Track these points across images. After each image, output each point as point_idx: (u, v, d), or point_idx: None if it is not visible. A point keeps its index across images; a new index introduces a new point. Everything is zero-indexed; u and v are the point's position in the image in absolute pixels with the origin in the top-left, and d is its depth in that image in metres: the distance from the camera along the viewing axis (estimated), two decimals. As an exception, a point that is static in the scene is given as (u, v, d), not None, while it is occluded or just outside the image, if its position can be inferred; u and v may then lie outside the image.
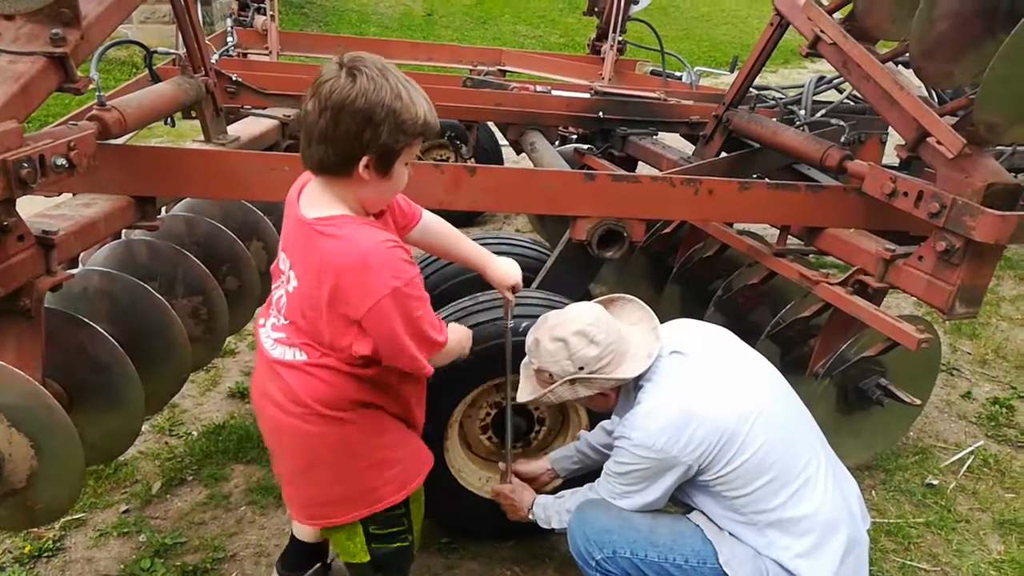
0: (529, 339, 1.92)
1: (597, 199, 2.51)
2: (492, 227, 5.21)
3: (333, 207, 1.54)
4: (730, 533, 1.86)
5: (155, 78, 2.72)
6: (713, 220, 2.88)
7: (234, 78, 3.37)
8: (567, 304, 2.21)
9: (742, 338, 2.82)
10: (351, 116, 1.40)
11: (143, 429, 3.07)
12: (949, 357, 3.95)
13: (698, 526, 1.88)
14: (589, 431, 2.35)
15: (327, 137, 1.43)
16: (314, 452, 1.70)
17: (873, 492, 2.95)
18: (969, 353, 4.04)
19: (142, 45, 2.77)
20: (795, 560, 1.79)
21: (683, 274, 3.36)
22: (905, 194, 2.40)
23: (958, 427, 3.41)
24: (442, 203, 2.46)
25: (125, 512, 2.66)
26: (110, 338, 2.06)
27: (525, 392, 1.95)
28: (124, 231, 2.47)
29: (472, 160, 5.44)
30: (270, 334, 1.70)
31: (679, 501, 1.95)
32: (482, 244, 2.93)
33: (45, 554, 2.45)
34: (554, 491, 2.42)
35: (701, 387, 1.82)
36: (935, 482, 3.01)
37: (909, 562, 2.62)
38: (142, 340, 2.28)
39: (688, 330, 2.00)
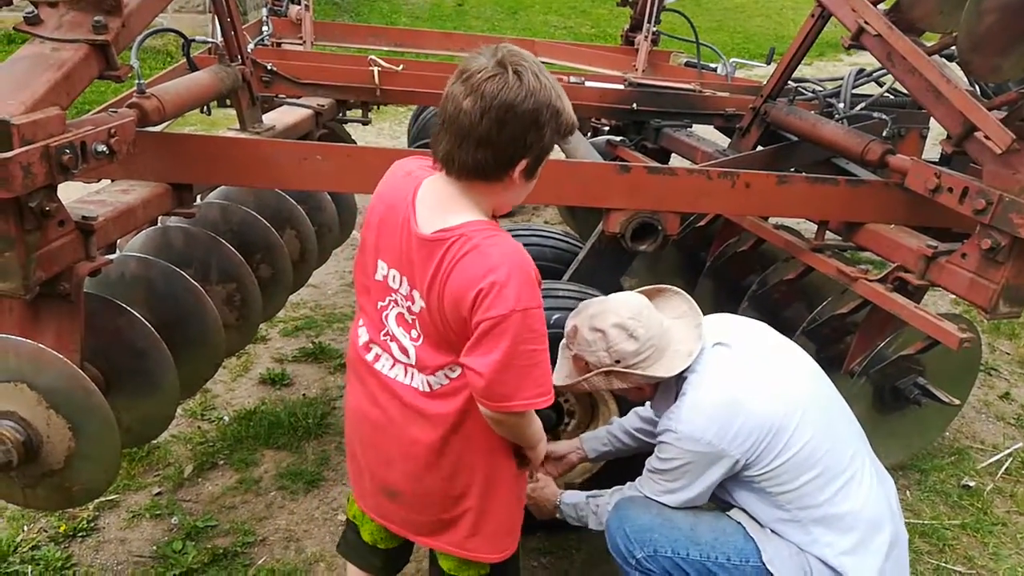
0: (568, 325, 1.89)
1: (631, 191, 2.48)
2: (522, 219, 5.19)
3: (465, 213, 1.40)
4: (772, 530, 1.83)
5: (192, 67, 2.73)
6: (750, 214, 2.83)
7: (269, 67, 3.38)
8: (599, 296, 2.20)
9: (781, 334, 2.79)
10: (518, 118, 1.30)
11: (176, 413, 3.11)
12: (988, 357, 3.86)
13: (740, 524, 1.85)
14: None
15: (489, 140, 1.31)
16: (487, 470, 1.58)
17: (908, 492, 2.90)
18: (1008, 353, 3.95)
19: (180, 34, 2.79)
20: (840, 557, 1.77)
21: (717, 269, 3.32)
22: (950, 190, 2.34)
23: (996, 428, 3.34)
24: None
25: (158, 494, 2.70)
26: (147, 324, 2.09)
27: (560, 376, 1.92)
28: (160, 218, 2.50)
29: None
30: (396, 359, 1.53)
31: (718, 498, 1.93)
32: (513, 235, 2.97)
33: (80, 534, 2.50)
34: (584, 480, 2.43)
35: (748, 379, 1.79)
36: (971, 484, 2.95)
37: (944, 564, 2.57)
38: (177, 325, 2.30)
39: (730, 322, 1.97)
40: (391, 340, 1.53)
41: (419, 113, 5.35)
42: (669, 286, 2.00)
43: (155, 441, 2.94)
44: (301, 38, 4.39)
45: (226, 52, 2.70)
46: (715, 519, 1.88)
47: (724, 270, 3.30)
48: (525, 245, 3.02)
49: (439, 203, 1.42)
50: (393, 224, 1.46)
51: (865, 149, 2.76)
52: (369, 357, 1.57)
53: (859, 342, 2.72)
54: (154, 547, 2.46)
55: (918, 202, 2.50)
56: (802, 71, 9.70)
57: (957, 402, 2.68)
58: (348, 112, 3.82)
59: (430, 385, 1.50)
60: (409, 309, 1.47)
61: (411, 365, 1.52)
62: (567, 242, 2.93)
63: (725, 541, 1.82)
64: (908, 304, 2.44)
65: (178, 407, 3.03)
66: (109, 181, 2.33)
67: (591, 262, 2.66)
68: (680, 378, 1.82)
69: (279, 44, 4.62)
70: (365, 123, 3.82)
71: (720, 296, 3.31)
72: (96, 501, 2.59)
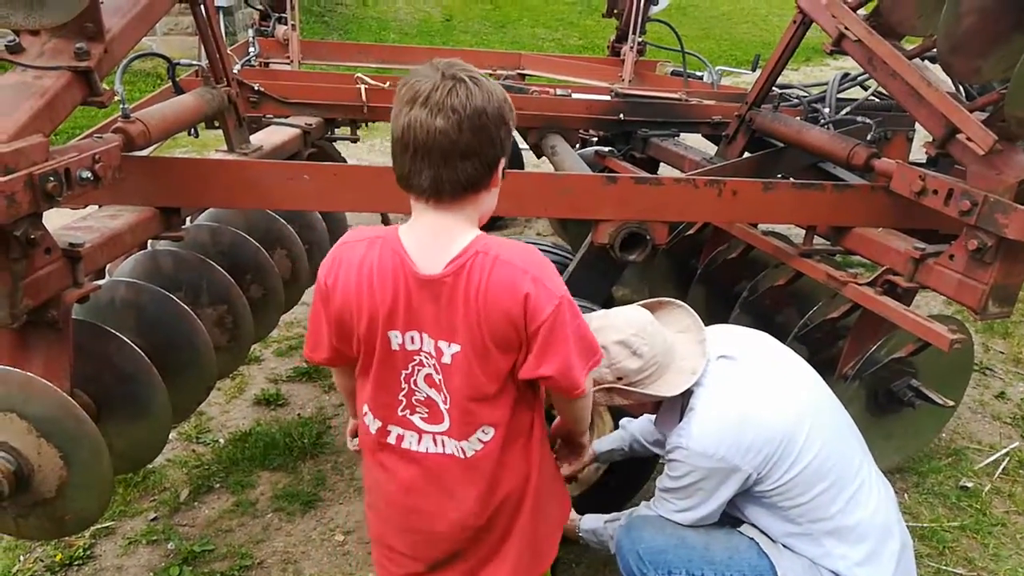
0: None
1: (619, 202, 2.49)
2: (514, 231, 5.20)
3: (465, 234, 1.35)
4: (784, 545, 1.82)
5: (178, 90, 2.74)
6: (737, 221, 2.84)
7: (256, 87, 3.39)
8: (590, 308, 2.20)
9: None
10: (491, 120, 1.29)
11: (170, 437, 3.10)
12: (982, 356, 3.87)
13: (753, 540, 1.84)
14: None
15: (473, 150, 1.28)
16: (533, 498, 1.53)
17: (906, 495, 2.90)
18: (1002, 352, 3.96)
19: (165, 57, 2.80)
20: (854, 569, 1.76)
21: (707, 276, 3.33)
22: (935, 192, 2.35)
23: (992, 428, 3.34)
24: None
25: (154, 520, 2.68)
26: (137, 349, 2.08)
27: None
28: (150, 241, 2.50)
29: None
30: (423, 430, 1.44)
31: (728, 515, 1.91)
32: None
33: (76, 562, 2.47)
34: (597, 481, 2.42)
35: (756, 391, 1.78)
36: (969, 484, 2.95)
37: (944, 567, 2.56)
38: (168, 350, 2.30)
39: (733, 333, 1.97)
40: (421, 405, 1.43)
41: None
42: (672, 299, 1.99)
43: (150, 466, 2.92)
44: (288, 58, 4.41)
45: (211, 74, 2.71)
46: (727, 537, 1.86)
47: (715, 277, 3.30)
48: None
49: (436, 235, 1.35)
50: (385, 293, 1.35)
51: (850, 153, 2.77)
52: (391, 440, 1.47)
53: (851, 346, 2.72)
54: (151, 574, 2.44)
55: (904, 205, 2.51)
56: (789, 77, 9.78)
57: (951, 403, 2.69)
58: (337, 130, 3.82)
59: (464, 451, 1.44)
60: (436, 366, 1.39)
61: (441, 433, 1.43)
62: (557, 254, 2.94)
63: (739, 559, 1.80)
64: (898, 307, 2.44)
65: (171, 431, 3.04)
66: (97, 207, 2.33)
67: (581, 273, 2.66)
68: (686, 393, 1.80)
69: (267, 64, 4.65)
70: (354, 140, 3.83)
71: (712, 303, 3.31)
72: (92, 528, 2.57)
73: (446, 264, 1.33)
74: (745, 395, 1.77)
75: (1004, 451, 3.15)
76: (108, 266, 2.65)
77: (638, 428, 2.23)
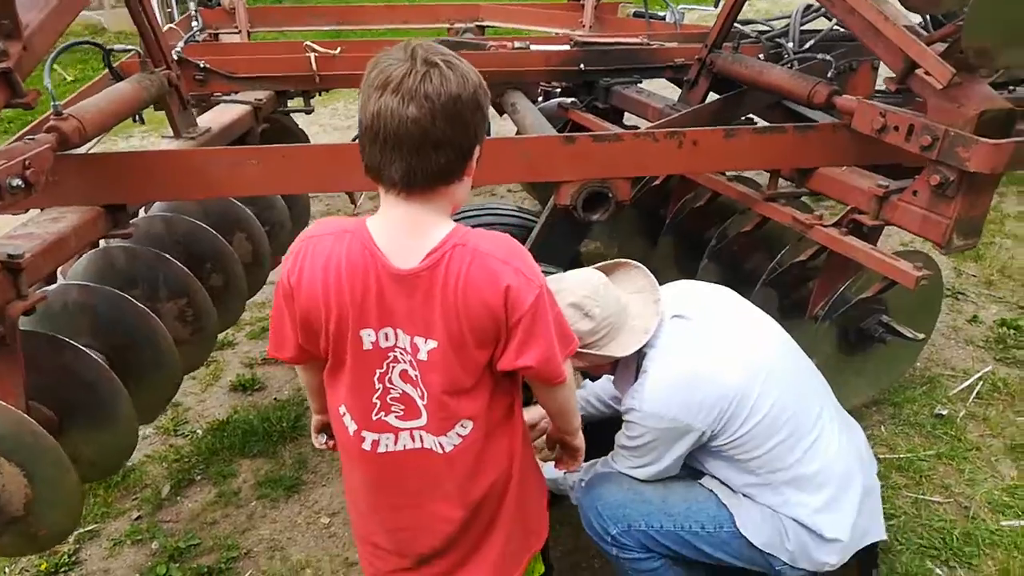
0: None
1: (578, 162, 2.44)
2: (485, 194, 5.11)
3: (440, 226, 1.29)
4: (744, 495, 1.84)
5: (117, 76, 2.62)
6: (701, 172, 2.80)
7: (201, 65, 3.26)
8: (555, 273, 2.16)
9: (740, 286, 2.78)
10: (466, 107, 1.22)
11: (148, 432, 3.08)
12: (954, 281, 3.88)
13: (712, 491, 1.86)
14: None
15: (447, 139, 1.21)
16: (516, 487, 1.51)
17: (882, 427, 2.93)
18: (974, 275, 3.97)
19: (98, 44, 2.67)
20: (814, 516, 1.78)
21: (676, 225, 3.29)
22: (896, 128, 2.31)
23: (966, 353, 3.37)
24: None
25: (137, 519, 2.67)
26: (93, 355, 2.04)
27: None
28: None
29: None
30: (399, 428, 1.40)
31: (690, 466, 1.93)
32: (464, 217, 2.92)
33: (62, 569, 2.47)
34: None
35: (707, 350, 1.78)
36: (944, 412, 2.99)
37: (921, 496, 2.60)
38: (128, 351, 2.26)
39: (691, 291, 1.96)
40: (396, 403, 1.38)
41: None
42: (628, 260, 1.97)
43: (130, 463, 2.91)
44: (236, 27, 4.24)
45: (149, 58, 2.60)
46: (687, 489, 1.88)
47: (683, 226, 3.27)
48: (478, 227, 2.98)
49: (409, 229, 1.28)
50: (356, 290, 1.29)
51: (811, 92, 2.71)
52: (366, 446, 1.42)
53: (820, 287, 2.71)
54: (138, 574, 2.44)
55: (868, 142, 2.47)
56: (757, 6, 9.59)
57: (922, 336, 2.70)
58: (291, 102, 3.70)
59: (442, 447, 1.40)
60: (412, 362, 1.34)
61: (419, 428, 1.39)
62: (521, 217, 2.89)
63: (698, 509, 1.83)
64: (863, 246, 2.43)
65: (148, 427, 3.02)
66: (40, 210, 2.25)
67: (546, 237, 2.62)
68: (641, 354, 1.80)
69: (216, 36, 4.48)
70: (308, 112, 3.71)
71: (682, 252, 3.28)
72: (75, 533, 2.57)
73: (422, 258, 1.27)
74: (697, 354, 1.77)
75: (978, 375, 3.19)
76: (60, 267, 2.59)
77: (600, 386, 2.22)
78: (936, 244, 2.34)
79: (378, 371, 1.36)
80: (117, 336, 2.24)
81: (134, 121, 2.83)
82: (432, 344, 1.31)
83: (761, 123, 3.13)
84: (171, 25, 3.98)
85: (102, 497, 2.75)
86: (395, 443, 1.41)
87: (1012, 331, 3.48)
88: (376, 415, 1.39)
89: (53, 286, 2.25)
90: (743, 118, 3.14)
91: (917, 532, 2.46)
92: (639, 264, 1.94)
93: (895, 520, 2.48)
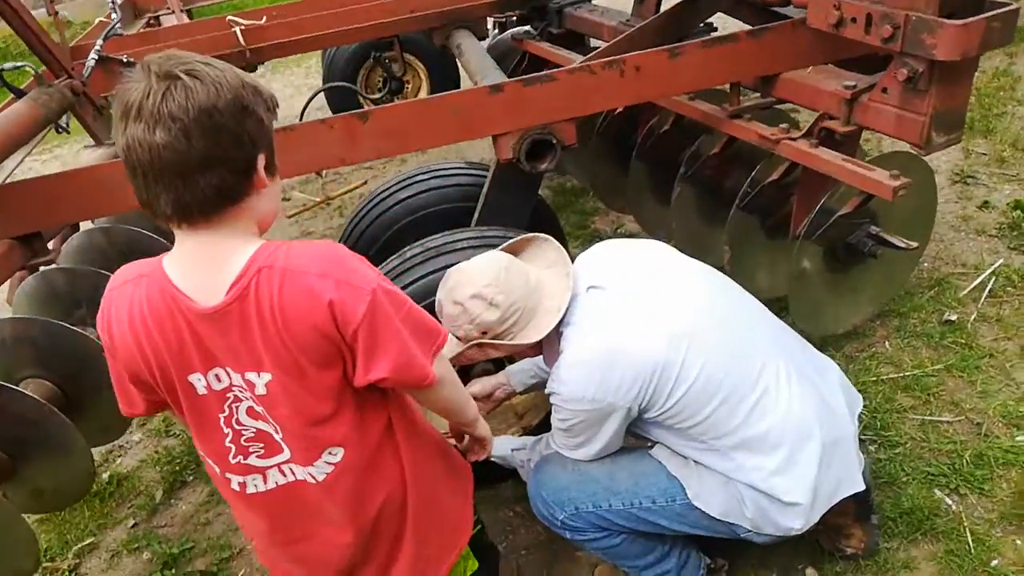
0: (437, 299, 1.73)
1: (512, 111, 2.24)
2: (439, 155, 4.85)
3: (241, 251, 1.15)
4: (696, 462, 1.72)
5: (19, 94, 2.48)
6: (650, 99, 2.56)
7: (125, 59, 3.10)
8: (505, 240, 2.00)
9: (721, 208, 2.58)
10: (226, 116, 1.07)
11: (139, 437, 3.09)
12: (961, 163, 3.58)
13: (661, 463, 1.75)
14: None
15: (213, 158, 1.07)
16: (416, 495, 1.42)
17: (887, 343, 2.74)
18: (984, 154, 3.64)
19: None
20: (769, 479, 1.65)
21: (646, 151, 3.07)
22: (853, 20, 2.06)
23: (976, 245, 3.11)
24: (344, 160, 2.25)
25: (134, 527, 2.68)
26: (27, 393, 1.99)
27: (445, 349, 1.79)
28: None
29: (420, 75, 5.10)
30: (265, 468, 1.29)
31: (639, 436, 1.81)
32: (409, 184, 2.75)
33: (64, 587, 2.51)
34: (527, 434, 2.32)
35: (623, 322, 1.63)
36: (953, 317, 2.77)
37: (929, 417, 2.43)
38: (78, 376, 2.21)
39: (608, 257, 1.79)
40: (253, 443, 1.26)
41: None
42: (538, 234, 1.82)
43: (124, 470, 2.94)
44: (168, 8, 4.03)
45: (49, 71, 2.45)
46: (634, 463, 1.77)
47: (653, 152, 3.05)
48: (426, 191, 2.79)
49: (204, 262, 1.15)
50: (166, 337, 1.18)
51: (766, -12, 2.44)
52: (235, 487, 1.31)
53: (799, 205, 2.51)
54: (136, 583, 2.47)
55: (828, 39, 2.22)
56: None
57: (915, 245, 2.48)
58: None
59: (314, 477, 1.29)
60: (252, 397, 1.22)
61: (285, 462, 1.28)
62: (471, 174, 2.71)
63: (647, 484, 1.72)
64: (833, 158, 2.22)
65: (137, 431, 3.01)
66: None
67: (496, 196, 2.45)
68: (559, 333, 1.67)
69: (158, 19, 4.28)
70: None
71: (655, 178, 3.08)
72: (75, 547, 2.60)
73: (226, 291, 1.14)
74: (611, 330, 1.62)
75: (990, 270, 2.95)
76: (6, 297, 2.54)
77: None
78: (915, 145, 2.11)
79: (221, 416, 1.24)
80: (62, 363, 2.19)
81: (58, 132, 2.70)
82: (267, 377, 1.19)
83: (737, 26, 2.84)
84: (101, 19, 3.78)
85: (98, 508, 2.77)
86: (264, 483, 1.30)
87: (1028, 213, 3.20)
88: (235, 459, 1.28)
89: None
90: (702, 25, 2.86)
91: (924, 459, 2.29)
92: (549, 237, 1.80)
93: (900, 448, 2.33)
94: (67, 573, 2.54)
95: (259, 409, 1.23)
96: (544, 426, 2.22)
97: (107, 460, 3.01)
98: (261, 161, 1.13)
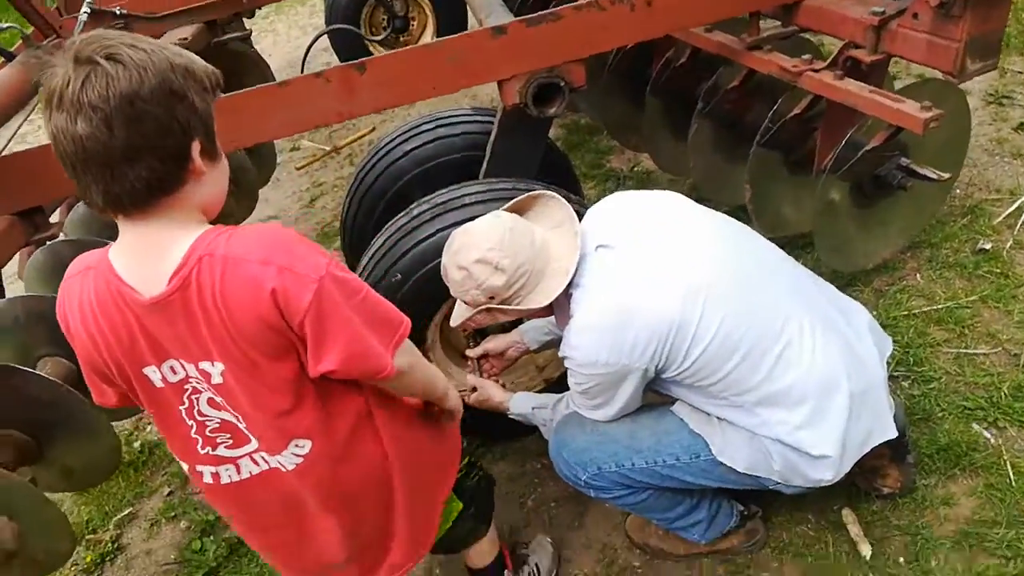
0: (441, 263, 1.68)
1: (515, 54, 2.13)
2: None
3: (181, 239, 1.10)
4: (719, 418, 1.67)
5: (8, 57, 2.41)
6: (664, 33, 2.41)
7: (118, 11, 2.99)
8: (515, 193, 1.93)
9: (741, 145, 2.44)
10: (151, 102, 1.01)
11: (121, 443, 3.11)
12: (996, 84, 3.39)
13: (682, 419, 1.70)
14: None
15: (138, 147, 1.01)
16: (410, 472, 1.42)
17: (918, 276, 2.65)
18: (1021, 72, 3.46)
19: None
20: (796, 433, 1.60)
21: (661, 85, 2.93)
22: (879, -62, 1.91)
23: (1012, 169, 2.97)
24: (342, 114, 2.16)
25: (169, 495, 2.72)
26: (41, 375, 1.98)
27: (456, 314, 1.75)
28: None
29: (425, 11, 4.94)
30: (236, 457, 1.28)
31: (660, 393, 1.76)
32: (413, 135, 2.65)
33: (108, 558, 2.54)
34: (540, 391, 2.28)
35: (634, 281, 1.56)
36: (988, 246, 2.66)
37: (964, 350, 2.36)
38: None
39: (618, 211, 1.71)
40: (220, 433, 1.25)
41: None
42: (545, 191, 1.73)
43: (154, 438, 2.96)
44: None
45: (36, 31, 2.37)
46: (655, 421, 1.73)
47: (669, 86, 2.91)
48: (433, 140, 2.67)
49: (144, 251, 1.11)
50: (116, 330, 1.14)
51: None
52: (208, 480, 1.30)
53: (823, 140, 2.40)
54: (176, 551, 2.51)
55: (855, -42, 2.07)
56: None
57: (948, 176, 2.35)
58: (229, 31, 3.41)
59: (284, 466, 1.28)
60: (210, 388, 1.20)
61: (255, 451, 1.26)
62: (478, 121, 2.61)
63: (669, 442, 1.68)
64: (860, 90, 2.10)
65: (116, 433, 3.04)
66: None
67: (504, 143, 2.35)
68: (568, 294, 1.61)
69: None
70: (245, 38, 3.41)
71: (672, 113, 2.95)
72: (116, 518, 2.65)
73: (167, 281, 1.10)
74: (622, 289, 1.55)
75: (1027, 194, 2.82)
76: (16, 271, 2.52)
77: None
78: (947, 73, 1.98)
79: (182, 408, 1.22)
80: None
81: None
82: (220, 366, 1.16)
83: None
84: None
85: (133, 478, 2.81)
86: (239, 472, 1.28)
87: (1067, 130, 3.05)
88: (203, 450, 1.26)
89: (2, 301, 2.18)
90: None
91: (960, 393, 2.23)
92: (555, 194, 1.71)
93: (934, 383, 2.27)
94: (110, 544, 2.59)
95: (219, 399, 1.21)
96: (566, 378, 2.19)
97: (137, 428, 3.04)
98: (196, 148, 1.07)
